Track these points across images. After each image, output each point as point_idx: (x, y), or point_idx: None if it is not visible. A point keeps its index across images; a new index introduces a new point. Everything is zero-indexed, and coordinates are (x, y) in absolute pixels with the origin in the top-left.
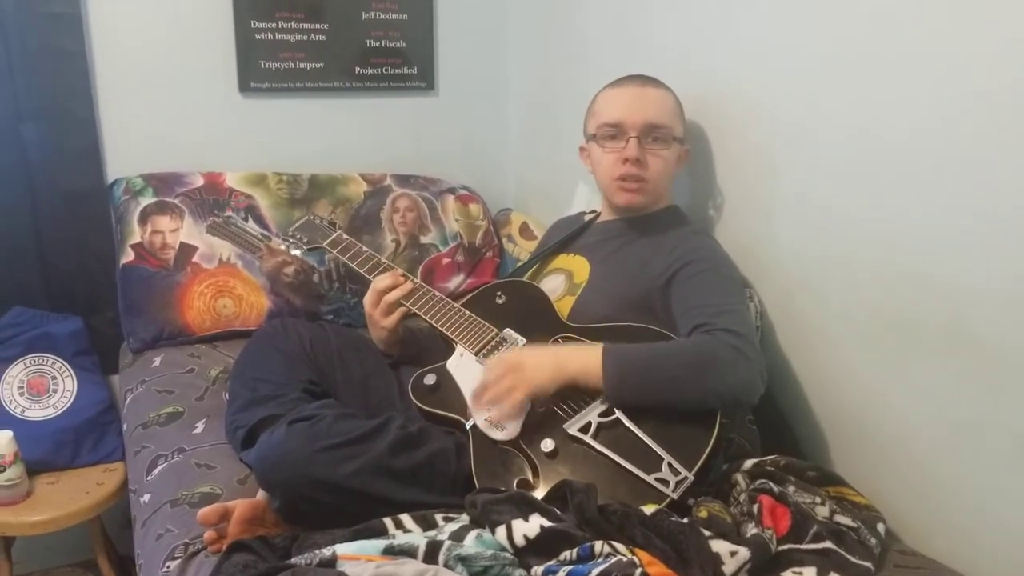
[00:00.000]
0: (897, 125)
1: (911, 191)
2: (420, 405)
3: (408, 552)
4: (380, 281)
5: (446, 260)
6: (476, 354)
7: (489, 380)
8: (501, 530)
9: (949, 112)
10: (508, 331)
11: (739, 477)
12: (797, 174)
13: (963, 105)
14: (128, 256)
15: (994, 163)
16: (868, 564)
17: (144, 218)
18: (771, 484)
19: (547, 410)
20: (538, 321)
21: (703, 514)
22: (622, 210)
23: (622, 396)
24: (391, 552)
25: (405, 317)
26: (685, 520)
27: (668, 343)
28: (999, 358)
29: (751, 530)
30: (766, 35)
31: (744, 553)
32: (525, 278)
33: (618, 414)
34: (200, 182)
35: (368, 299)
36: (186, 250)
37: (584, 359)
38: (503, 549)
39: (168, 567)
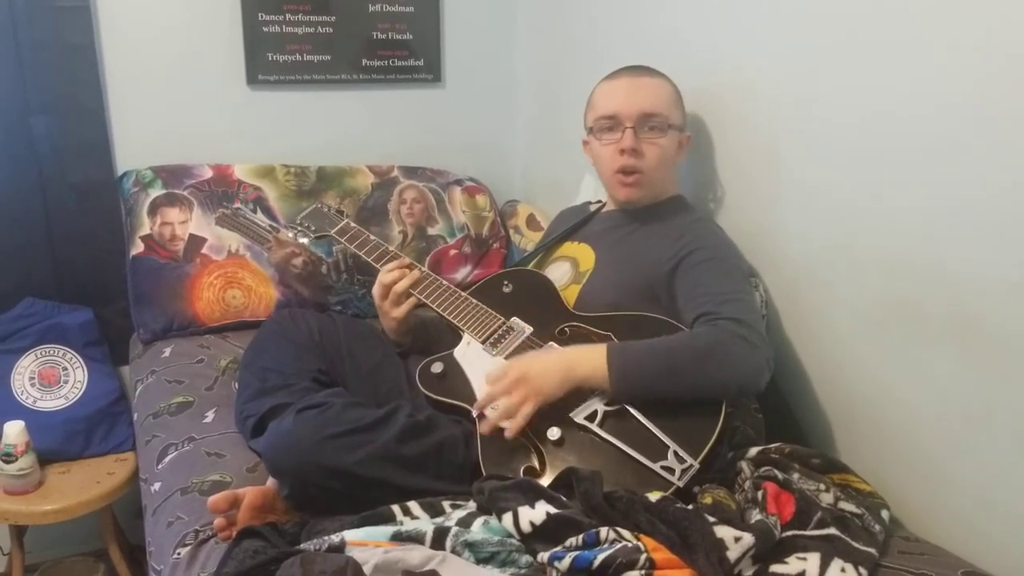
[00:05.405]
0: (900, 113)
1: (915, 178)
2: (427, 393)
3: (416, 538)
4: (386, 275)
5: (453, 251)
6: (483, 343)
7: (495, 392)
8: (508, 517)
9: (953, 99)
10: (515, 320)
11: (744, 465)
12: (801, 163)
13: (966, 92)
14: (138, 248)
15: (998, 150)
16: (872, 550)
17: (153, 210)
18: (776, 471)
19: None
20: (544, 310)
21: (707, 501)
22: (624, 203)
23: (631, 395)
24: (399, 538)
25: (415, 307)
26: (690, 507)
27: (672, 336)
28: (1004, 345)
29: (755, 516)
30: (770, 24)
31: (748, 539)
32: (531, 266)
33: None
34: (209, 174)
35: (376, 291)
36: (195, 241)
37: (590, 362)
38: (510, 535)
39: (179, 554)
